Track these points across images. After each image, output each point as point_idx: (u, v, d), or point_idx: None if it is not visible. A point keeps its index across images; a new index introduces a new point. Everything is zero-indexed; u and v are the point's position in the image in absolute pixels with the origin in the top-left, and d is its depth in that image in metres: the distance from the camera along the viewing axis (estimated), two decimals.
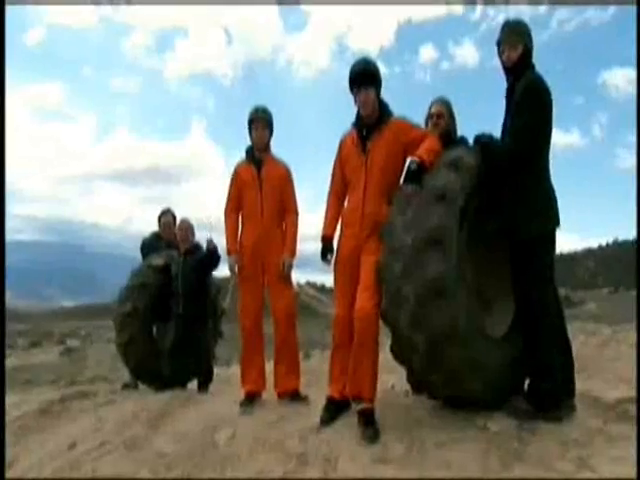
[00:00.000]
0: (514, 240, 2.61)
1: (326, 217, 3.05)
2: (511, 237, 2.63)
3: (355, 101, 2.84)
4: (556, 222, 2.60)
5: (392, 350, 2.57)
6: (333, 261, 2.95)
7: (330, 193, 3.05)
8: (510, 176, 2.58)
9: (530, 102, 2.52)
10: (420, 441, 2.38)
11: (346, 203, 2.97)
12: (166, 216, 5.12)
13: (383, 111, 2.81)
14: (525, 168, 2.54)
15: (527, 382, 2.64)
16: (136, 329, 4.55)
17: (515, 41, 2.62)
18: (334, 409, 2.80)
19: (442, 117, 2.94)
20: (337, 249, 2.93)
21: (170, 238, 5.04)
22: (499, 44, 2.70)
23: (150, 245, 5.13)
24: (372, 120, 2.80)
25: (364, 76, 2.77)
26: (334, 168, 3.02)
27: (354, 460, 2.33)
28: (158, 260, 4.74)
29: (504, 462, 2.13)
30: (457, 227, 2.39)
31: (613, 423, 2.42)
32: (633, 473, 1.92)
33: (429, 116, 2.98)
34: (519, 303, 2.64)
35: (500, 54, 2.70)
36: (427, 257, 2.29)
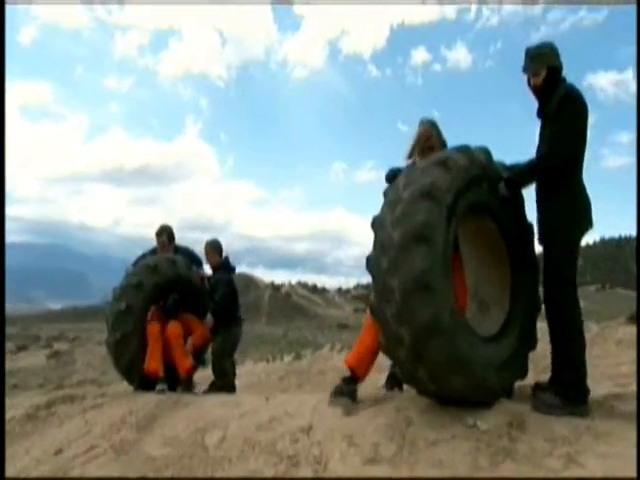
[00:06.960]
0: (542, 246, 2.76)
1: None
2: (540, 243, 2.79)
3: None
4: (585, 228, 2.73)
5: (380, 344, 2.60)
6: None
7: None
8: (546, 181, 2.68)
9: (566, 109, 2.63)
10: (411, 440, 2.37)
11: None
12: (161, 237, 5.01)
13: None
14: (560, 174, 2.64)
15: (551, 375, 2.70)
16: (129, 328, 4.41)
17: (537, 68, 2.76)
18: None
19: (431, 138, 3.10)
20: None
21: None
22: (524, 71, 2.83)
23: None
24: None
25: None
26: None
27: (345, 461, 2.33)
28: (150, 262, 4.71)
29: (494, 460, 2.14)
30: (444, 224, 2.41)
31: (600, 420, 2.44)
32: (621, 469, 1.93)
33: (419, 142, 3.11)
34: (545, 303, 2.74)
35: (527, 81, 2.83)
36: (413, 252, 2.32)
